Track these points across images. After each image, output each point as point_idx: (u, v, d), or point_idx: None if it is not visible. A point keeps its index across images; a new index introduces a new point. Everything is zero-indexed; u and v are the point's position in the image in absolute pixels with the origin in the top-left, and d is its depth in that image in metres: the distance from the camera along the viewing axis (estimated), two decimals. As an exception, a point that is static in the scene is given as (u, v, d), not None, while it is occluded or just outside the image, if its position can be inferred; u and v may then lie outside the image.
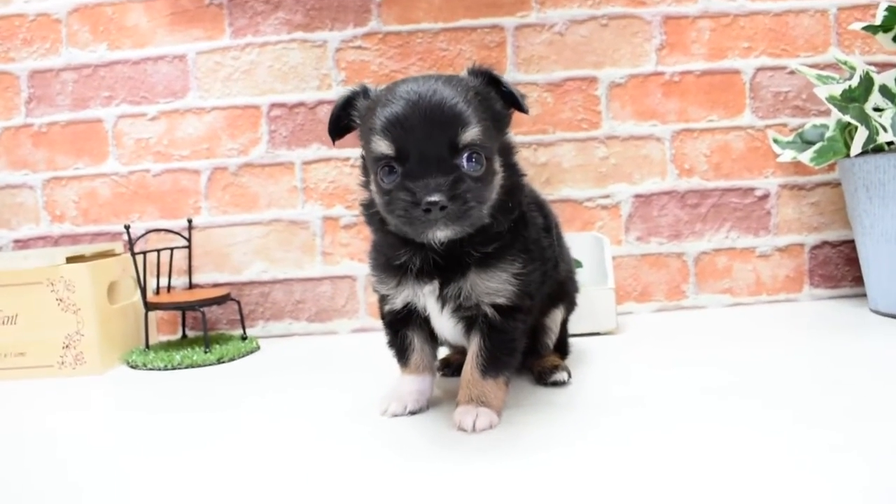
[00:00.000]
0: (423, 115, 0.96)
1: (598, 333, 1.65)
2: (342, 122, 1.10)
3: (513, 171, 1.09)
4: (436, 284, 1.08)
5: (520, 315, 1.10)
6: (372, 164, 1.02)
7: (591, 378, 1.30)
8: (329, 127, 1.10)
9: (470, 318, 1.11)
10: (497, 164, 1.04)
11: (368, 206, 1.11)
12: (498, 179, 1.04)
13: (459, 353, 1.38)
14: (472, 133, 0.97)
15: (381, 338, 1.24)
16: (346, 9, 1.86)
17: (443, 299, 1.09)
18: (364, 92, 1.07)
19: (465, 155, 0.98)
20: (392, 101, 0.98)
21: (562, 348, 1.39)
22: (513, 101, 1.07)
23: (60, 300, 1.60)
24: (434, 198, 0.93)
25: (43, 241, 1.95)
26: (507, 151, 1.09)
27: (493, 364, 1.09)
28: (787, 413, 1.04)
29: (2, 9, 1.91)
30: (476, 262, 1.06)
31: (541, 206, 1.22)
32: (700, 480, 0.82)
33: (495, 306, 1.08)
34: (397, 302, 1.14)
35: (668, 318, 1.81)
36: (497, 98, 1.06)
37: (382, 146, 0.98)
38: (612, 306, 1.64)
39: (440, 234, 0.98)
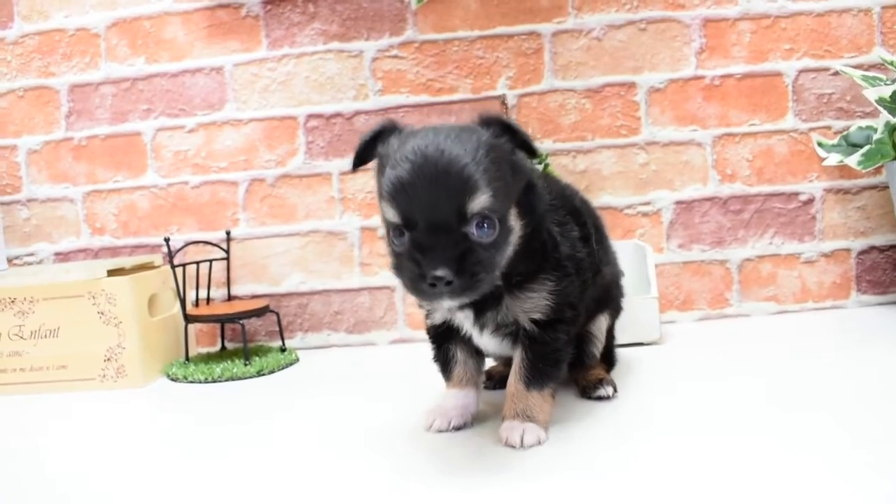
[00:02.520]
0: (430, 181, 0.90)
1: (641, 344, 1.62)
2: (366, 156, 1.05)
3: (535, 211, 1.04)
4: (469, 312, 1.07)
5: (561, 326, 1.08)
6: (382, 220, 1.00)
7: (637, 391, 1.27)
8: (354, 161, 1.05)
9: (512, 332, 1.09)
10: (513, 220, 0.99)
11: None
12: (515, 236, 1.00)
13: (503, 364, 1.37)
14: (481, 200, 0.91)
15: (419, 349, 1.23)
16: (382, 18, 1.86)
17: (480, 324, 1.08)
18: (389, 130, 1.02)
19: (475, 222, 0.92)
20: (399, 163, 0.92)
21: (608, 358, 1.36)
22: (527, 148, 1.01)
23: (102, 313, 1.61)
24: (439, 272, 0.89)
25: (83, 253, 1.97)
26: (529, 190, 1.03)
27: (536, 376, 1.07)
28: (833, 427, 1.01)
29: (42, 24, 1.93)
30: (507, 288, 1.04)
31: (576, 214, 1.17)
32: (745, 498, 0.80)
33: (534, 321, 1.06)
34: (437, 317, 1.14)
35: (712, 326, 1.78)
36: (511, 146, 1.00)
37: (390, 213, 0.94)
38: (656, 316, 1.61)
39: (447, 304, 0.98)
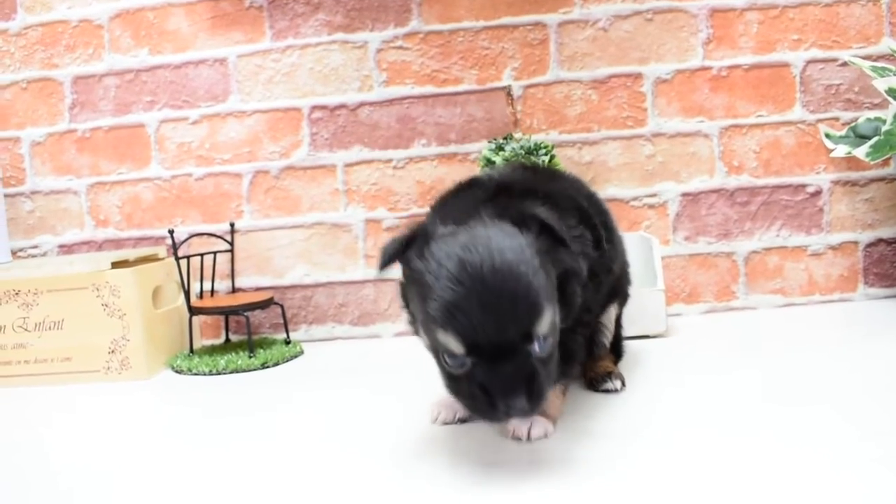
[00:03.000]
0: (491, 305, 0.83)
1: (647, 336, 1.61)
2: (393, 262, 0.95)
3: (573, 303, 0.99)
4: None
5: (578, 328, 1.07)
6: (426, 335, 0.92)
7: (644, 384, 1.27)
8: (380, 265, 0.94)
9: None
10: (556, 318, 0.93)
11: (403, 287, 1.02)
12: (558, 332, 0.94)
13: None
14: (546, 320, 0.86)
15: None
16: (387, 9, 1.85)
17: None
18: (423, 236, 0.92)
19: (538, 341, 0.87)
20: (451, 284, 0.84)
21: (616, 349, 1.35)
22: (565, 245, 0.95)
23: (106, 305, 1.61)
24: (516, 404, 0.84)
25: (87, 246, 1.97)
26: (566, 278, 0.97)
27: None
28: (840, 420, 1.00)
29: (45, 16, 1.92)
30: None
31: (585, 216, 1.12)
32: (753, 491, 0.79)
33: None
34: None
35: (719, 319, 1.77)
36: (550, 242, 0.93)
37: (444, 338, 0.86)
38: (663, 308, 1.60)
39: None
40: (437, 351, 0.90)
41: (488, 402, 0.85)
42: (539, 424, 1.02)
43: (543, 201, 1.03)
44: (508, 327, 0.84)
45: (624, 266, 1.34)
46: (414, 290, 0.93)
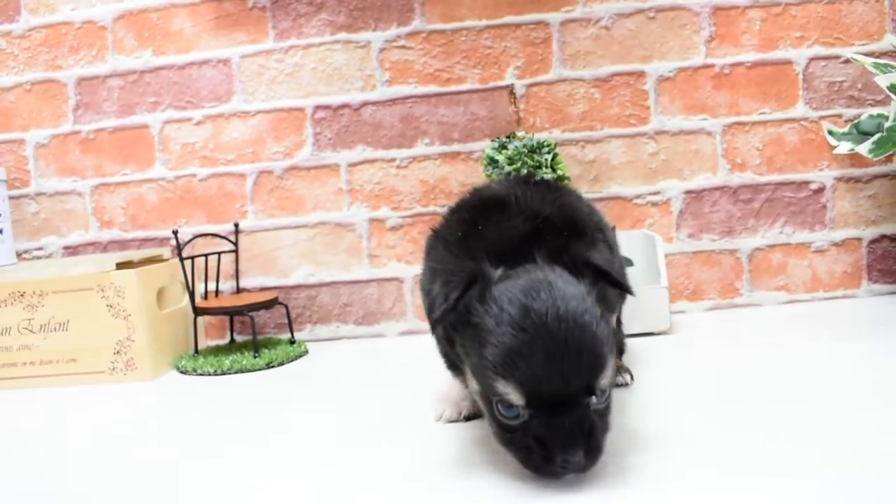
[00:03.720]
0: (557, 357, 0.80)
1: (651, 334, 1.61)
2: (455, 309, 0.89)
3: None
4: None
5: None
6: (484, 389, 0.87)
7: (649, 381, 1.27)
8: (440, 315, 0.87)
9: None
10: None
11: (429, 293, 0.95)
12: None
13: None
14: (608, 373, 0.84)
15: (429, 340, 1.22)
16: (390, 8, 1.85)
17: None
18: (483, 280, 0.88)
19: (599, 393, 0.83)
20: (512, 331, 0.81)
21: (619, 345, 1.34)
22: (622, 289, 0.94)
23: (111, 306, 1.61)
24: (574, 459, 0.80)
25: (92, 247, 1.97)
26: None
27: None
28: (845, 417, 1.00)
29: (49, 17, 1.93)
30: None
31: (609, 246, 1.10)
32: (758, 490, 0.79)
33: None
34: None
35: (723, 316, 1.77)
36: (606, 286, 0.91)
37: (503, 388, 0.82)
38: (666, 306, 1.60)
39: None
40: (490, 400, 0.85)
41: (544, 457, 0.82)
42: None
43: (588, 241, 0.99)
44: (573, 380, 0.81)
45: (622, 266, 1.33)
46: (468, 335, 0.88)
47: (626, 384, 1.24)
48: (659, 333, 1.62)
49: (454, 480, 0.90)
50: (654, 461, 0.90)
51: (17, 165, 1.97)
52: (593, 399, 0.83)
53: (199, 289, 1.81)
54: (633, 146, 1.84)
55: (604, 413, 0.85)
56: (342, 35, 1.87)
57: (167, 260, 1.83)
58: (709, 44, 1.83)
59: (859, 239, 1.84)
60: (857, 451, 0.88)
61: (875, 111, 1.74)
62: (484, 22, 1.84)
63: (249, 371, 1.61)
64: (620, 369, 1.25)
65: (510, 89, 1.78)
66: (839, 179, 1.83)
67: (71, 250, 1.98)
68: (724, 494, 0.79)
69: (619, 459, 0.91)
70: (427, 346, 1.26)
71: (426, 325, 1.08)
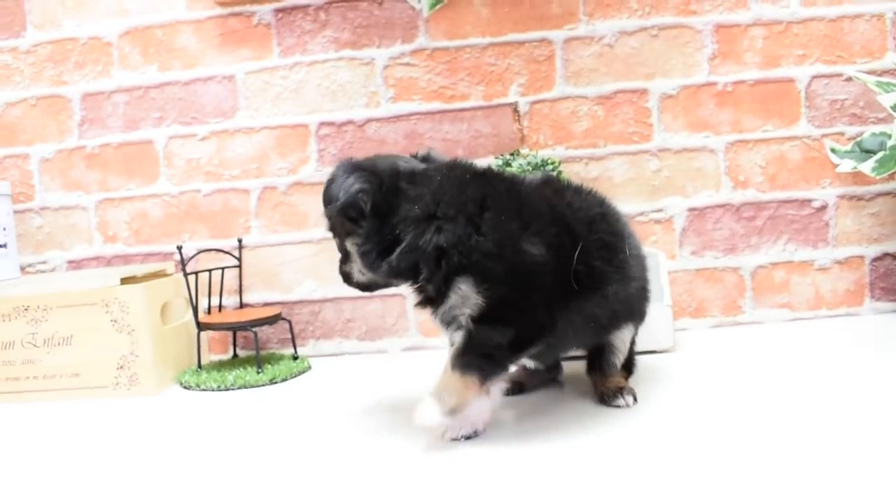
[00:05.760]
0: None
1: (654, 351, 1.61)
2: None
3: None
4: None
5: (498, 326, 1.10)
6: None
7: (653, 401, 1.27)
8: None
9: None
10: None
11: None
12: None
13: (522, 371, 1.40)
14: None
15: (432, 356, 1.23)
16: (394, 25, 1.86)
17: (439, 321, 1.16)
18: None
19: None
20: None
21: (628, 365, 1.34)
22: None
23: (115, 321, 1.61)
24: None
25: (96, 261, 1.97)
26: None
27: (461, 359, 1.10)
28: (850, 436, 1.00)
29: (54, 33, 1.94)
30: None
31: (553, 222, 1.17)
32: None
33: (472, 317, 1.10)
34: None
35: (726, 334, 1.77)
36: None
37: None
38: (670, 324, 1.60)
39: None
40: None
41: None
42: (427, 411, 1.08)
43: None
44: None
45: (644, 287, 1.33)
46: None
47: (628, 406, 1.23)
48: (662, 351, 1.62)
49: (457, 498, 0.90)
50: (658, 480, 0.90)
51: (21, 180, 1.97)
52: None
53: (203, 304, 1.81)
54: (636, 163, 1.84)
55: None
56: (347, 52, 1.88)
57: (171, 275, 1.83)
58: (712, 61, 1.83)
59: (862, 257, 1.85)
60: (862, 468, 0.88)
61: (877, 129, 1.75)
62: (488, 39, 1.85)
63: (253, 387, 1.61)
64: (624, 391, 1.25)
65: (514, 107, 1.79)
66: (842, 197, 1.84)
67: (75, 264, 1.98)
68: (730, 516, 0.79)
69: (622, 477, 0.91)
70: (431, 363, 1.27)
71: (430, 341, 1.13)
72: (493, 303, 1.07)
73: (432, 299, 1.14)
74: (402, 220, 1.11)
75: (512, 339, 1.09)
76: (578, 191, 1.27)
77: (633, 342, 1.35)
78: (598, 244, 1.18)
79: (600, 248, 1.18)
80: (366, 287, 1.27)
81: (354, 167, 1.15)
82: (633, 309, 1.30)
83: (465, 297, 1.08)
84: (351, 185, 1.12)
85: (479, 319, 1.08)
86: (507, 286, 1.08)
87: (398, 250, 1.11)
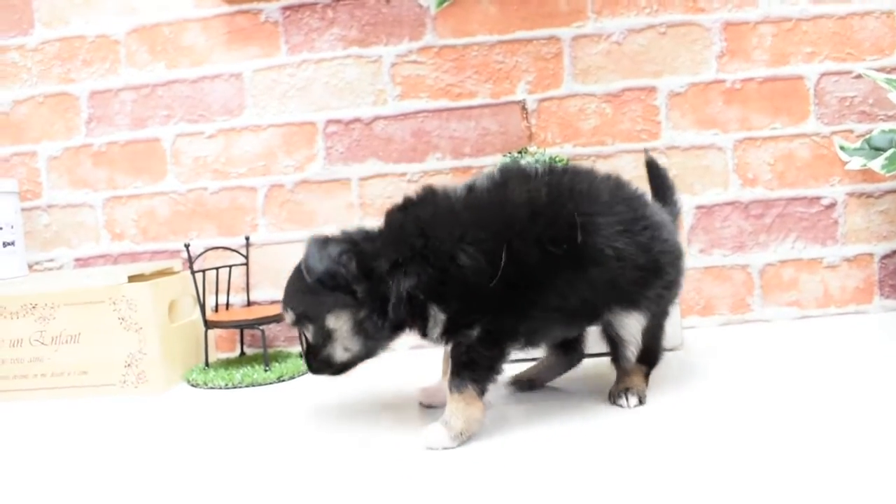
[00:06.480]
0: None
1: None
2: None
3: None
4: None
5: (466, 331, 1.14)
6: None
7: (660, 399, 1.26)
8: None
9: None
10: None
11: None
12: None
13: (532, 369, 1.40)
14: None
15: (439, 355, 1.23)
16: (401, 23, 1.86)
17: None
18: None
19: None
20: None
21: (648, 358, 1.28)
22: None
23: (122, 319, 1.61)
24: None
25: (103, 259, 1.97)
26: None
27: (455, 378, 1.13)
28: (858, 433, 1.00)
29: (62, 31, 1.94)
30: None
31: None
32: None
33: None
34: None
35: (734, 332, 1.77)
36: None
37: None
38: (678, 322, 1.60)
39: None
40: None
41: None
42: (434, 435, 1.10)
43: None
44: None
45: (647, 275, 1.22)
46: None
47: (629, 408, 1.22)
48: (670, 350, 1.61)
49: (464, 498, 0.89)
50: (666, 479, 0.90)
51: (29, 177, 1.97)
52: None
53: (210, 302, 1.81)
54: (644, 161, 1.83)
55: None
56: (354, 49, 1.87)
57: (178, 273, 1.83)
58: (720, 59, 1.83)
59: (871, 254, 1.84)
60: (871, 466, 0.87)
61: (887, 126, 1.74)
62: (495, 37, 1.85)
63: (260, 385, 1.61)
64: (629, 391, 1.24)
65: (522, 104, 1.78)
66: (851, 195, 1.83)
67: (82, 262, 1.98)
68: (743, 514, 0.79)
69: (631, 476, 0.91)
70: (438, 361, 1.27)
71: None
72: (455, 316, 1.13)
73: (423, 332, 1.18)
74: (381, 276, 1.15)
75: (486, 342, 1.13)
76: (552, 172, 1.21)
77: (653, 333, 1.28)
78: (561, 228, 1.14)
79: (560, 233, 1.13)
80: (346, 366, 1.23)
81: (324, 238, 1.18)
82: (629, 294, 1.21)
83: (436, 318, 1.14)
84: (330, 252, 1.14)
85: (451, 333, 1.14)
86: (459, 300, 1.12)
87: (392, 303, 1.14)
